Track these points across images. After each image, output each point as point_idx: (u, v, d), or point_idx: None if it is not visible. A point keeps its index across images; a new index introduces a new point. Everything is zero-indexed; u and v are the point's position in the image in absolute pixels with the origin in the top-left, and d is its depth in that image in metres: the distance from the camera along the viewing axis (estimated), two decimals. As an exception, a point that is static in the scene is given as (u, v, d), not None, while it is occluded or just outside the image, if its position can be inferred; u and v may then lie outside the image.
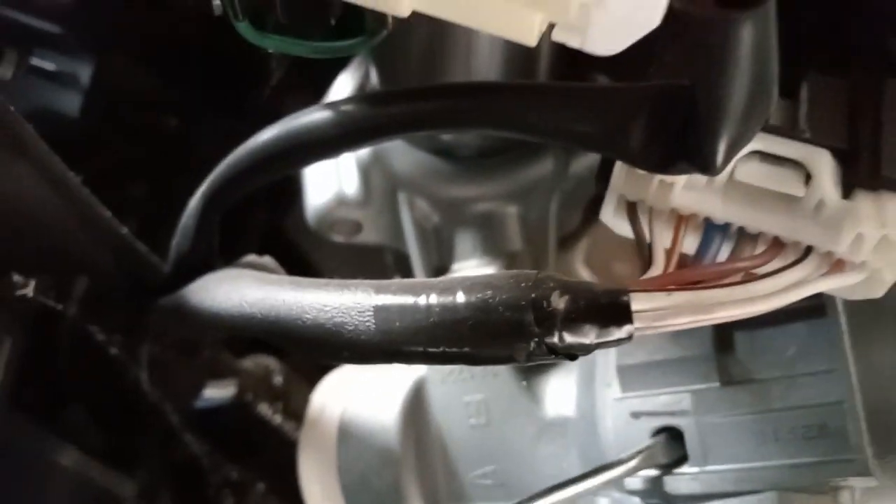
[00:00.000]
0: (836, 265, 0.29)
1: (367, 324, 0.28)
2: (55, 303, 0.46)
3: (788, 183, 0.28)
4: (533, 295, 0.27)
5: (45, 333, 0.48)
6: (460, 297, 0.27)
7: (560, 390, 0.42)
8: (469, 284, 0.28)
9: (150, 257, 0.47)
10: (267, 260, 0.41)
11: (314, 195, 0.51)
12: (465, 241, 0.47)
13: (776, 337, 0.35)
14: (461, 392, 0.44)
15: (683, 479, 0.34)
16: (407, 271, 0.52)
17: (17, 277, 0.45)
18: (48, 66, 0.65)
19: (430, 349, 0.28)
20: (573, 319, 0.26)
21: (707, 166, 0.24)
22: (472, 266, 0.47)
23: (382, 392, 0.47)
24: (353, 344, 0.29)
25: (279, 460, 0.64)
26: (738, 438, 0.34)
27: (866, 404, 0.32)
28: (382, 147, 0.46)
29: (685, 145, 0.24)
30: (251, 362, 0.66)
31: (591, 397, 0.39)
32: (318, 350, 0.30)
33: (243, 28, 0.30)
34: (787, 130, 0.29)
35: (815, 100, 0.30)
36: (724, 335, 0.36)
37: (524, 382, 0.43)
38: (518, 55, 0.40)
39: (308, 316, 0.30)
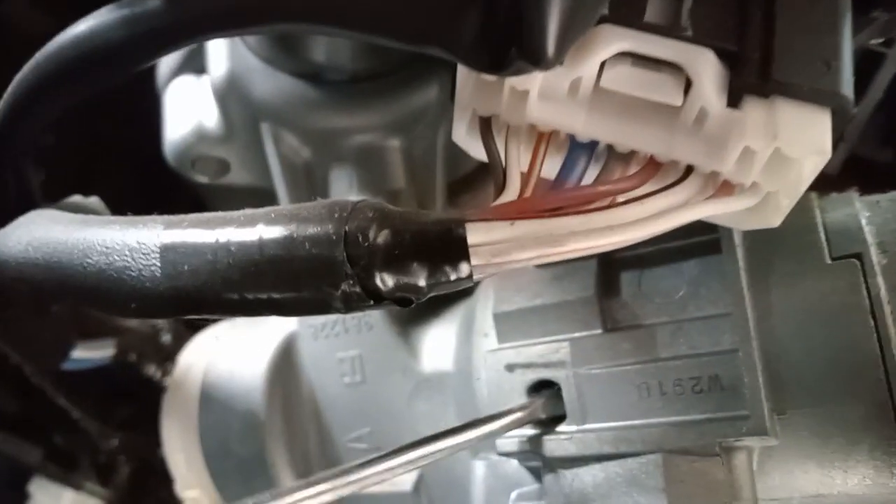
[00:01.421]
0: (723, 188, 0.25)
1: (153, 268, 0.23)
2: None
3: (664, 90, 0.24)
4: (347, 228, 0.22)
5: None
6: (261, 233, 0.22)
7: (439, 342, 0.38)
8: (273, 216, 0.23)
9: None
10: (93, 201, 0.35)
11: (172, 129, 0.44)
12: (340, 179, 0.42)
13: (666, 277, 0.31)
14: (335, 348, 0.40)
15: (558, 440, 0.30)
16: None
17: None
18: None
19: (226, 296, 0.23)
20: (396, 257, 0.22)
21: (537, 57, 0.19)
22: (348, 206, 0.42)
23: (248, 350, 0.42)
24: (137, 293, 0.24)
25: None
26: (618, 392, 0.29)
27: (764, 353, 0.28)
28: (240, 70, 0.40)
29: (517, 36, 0.19)
30: (136, 320, 0.61)
31: (469, 349, 0.35)
32: (102, 302, 0.25)
33: None
34: (665, 28, 0.24)
35: (701, -9, 0.25)
36: (609, 276, 0.32)
37: (400, 334, 0.38)
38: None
39: (90, 260, 0.25)
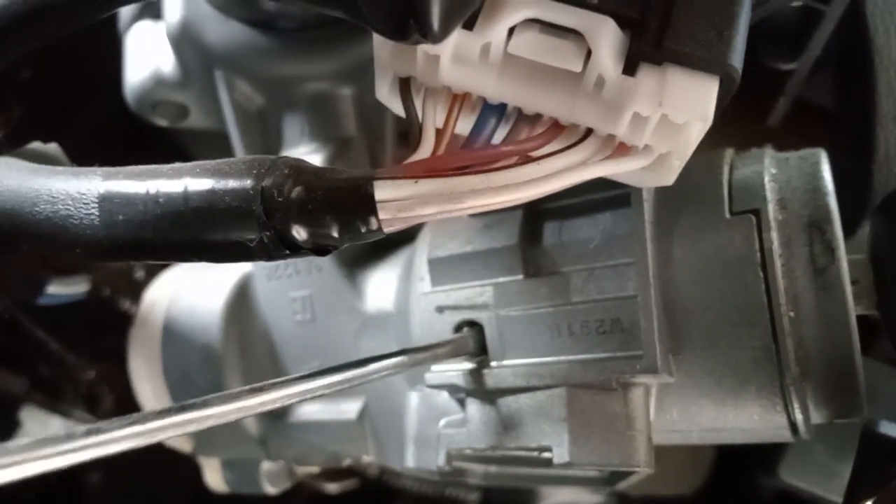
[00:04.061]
0: (619, 149, 0.26)
1: (92, 216, 0.25)
2: None
3: (565, 57, 0.25)
4: (264, 183, 0.24)
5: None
6: (187, 186, 0.24)
7: (382, 284, 0.40)
8: (198, 171, 0.25)
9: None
10: (51, 147, 0.37)
11: (132, 73, 0.45)
12: (292, 125, 0.43)
13: (583, 227, 0.33)
14: (287, 288, 0.42)
15: (479, 375, 0.33)
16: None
17: None
18: None
19: (157, 244, 0.25)
20: (310, 211, 0.24)
21: (425, 30, 0.20)
22: (300, 154, 0.43)
23: (207, 288, 0.44)
24: (80, 240, 0.26)
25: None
26: (533, 333, 0.32)
27: (663, 299, 0.30)
28: (193, 17, 0.41)
29: (412, 5, 0.21)
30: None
31: (407, 291, 0.37)
32: (51, 247, 0.27)
33: None
34: (567, -5, 0.25)
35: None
36: (534, 226, 0.34)
37: (348, 276, 0.41)
38: None
39: (38, 208, 0.27)
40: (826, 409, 0.30)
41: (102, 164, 0.27)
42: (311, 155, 0.43)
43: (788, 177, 0.31)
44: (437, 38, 0.21)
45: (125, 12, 0.48)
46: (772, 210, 0.30)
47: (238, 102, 0.42)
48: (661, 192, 0.31)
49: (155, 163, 0.26)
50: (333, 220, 0.24)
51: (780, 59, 0.48)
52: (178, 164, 0.25)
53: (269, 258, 0.25)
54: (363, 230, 0.24)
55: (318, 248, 0.25)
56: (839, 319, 0.28)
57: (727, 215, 0.30)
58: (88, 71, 0.65)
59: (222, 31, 0.41)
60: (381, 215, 0.24)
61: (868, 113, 0.48)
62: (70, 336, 0.66)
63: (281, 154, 0.44)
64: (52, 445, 0.22)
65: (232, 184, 0.24)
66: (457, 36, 0.25)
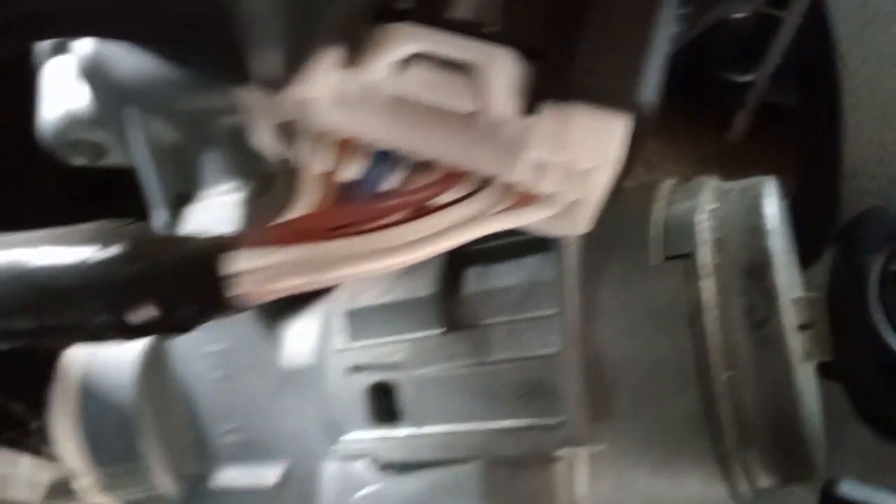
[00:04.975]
0: (525, 198, 0.23)
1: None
2: None
3: (453, 95, 0.22)
4: (101, 257, 0.21)
5: None
6: (29, 260, 0.21)
7: (302, 337, 0.37)
8: (40, 241, 0.22)
9: None
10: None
11: (46, 110, 0.43)
12: (211, 162, 0.40)
13: (509, 273, 0.30)
14: (202, 342, 0.39)
15: (393, 444, 0.30)
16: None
17: None
18: None
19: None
20: (156, 287, 0.21)
21: (263, 78, 0.17)
22: (221, 192, 0.40)
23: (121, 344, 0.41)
24: None
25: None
26: (451, 396, 0.29)
27: (591, 356, 0.27)
28: (103, 51, 0.38)
29: (237, 52, 0.18)
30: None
31: (324, 346, 0.34)
32: None
33: None
34: (467, 24, 0.22)
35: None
36: (456, 271, 0.31)
37: (266, 328, 0.37)
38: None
39: None
40: (774, 476, 0.26)
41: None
42: (233, 193, 0.40)
43: (728, 213, 0.28)
44: (279, 86, 0.18)
45: (41, 47, 0.45)
46: (706, 253, 0.27)
47: (151, 140, 0.39)
48: (590, 233, 0.28)
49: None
50: (184, 296, 0.21)
51: (736, 71, 0.45)
52: (28, 234, 0.22)
53: (120, 339, 0.22)
54: (218, 308, 0.21)
55: (173, 326, 0.22)
56: (781, 378, 0.25)
57: (659, 260, 0.27)
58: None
59: (132, 63, 0.38)
60: (238, 289, 0.21)
61: (833, 124, 0.45)
62: (11, 385, 0.63)
63: (200, 194, 0.41)
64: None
65: (70, 258, 0.21)
66: (335, 75, 0.22)
